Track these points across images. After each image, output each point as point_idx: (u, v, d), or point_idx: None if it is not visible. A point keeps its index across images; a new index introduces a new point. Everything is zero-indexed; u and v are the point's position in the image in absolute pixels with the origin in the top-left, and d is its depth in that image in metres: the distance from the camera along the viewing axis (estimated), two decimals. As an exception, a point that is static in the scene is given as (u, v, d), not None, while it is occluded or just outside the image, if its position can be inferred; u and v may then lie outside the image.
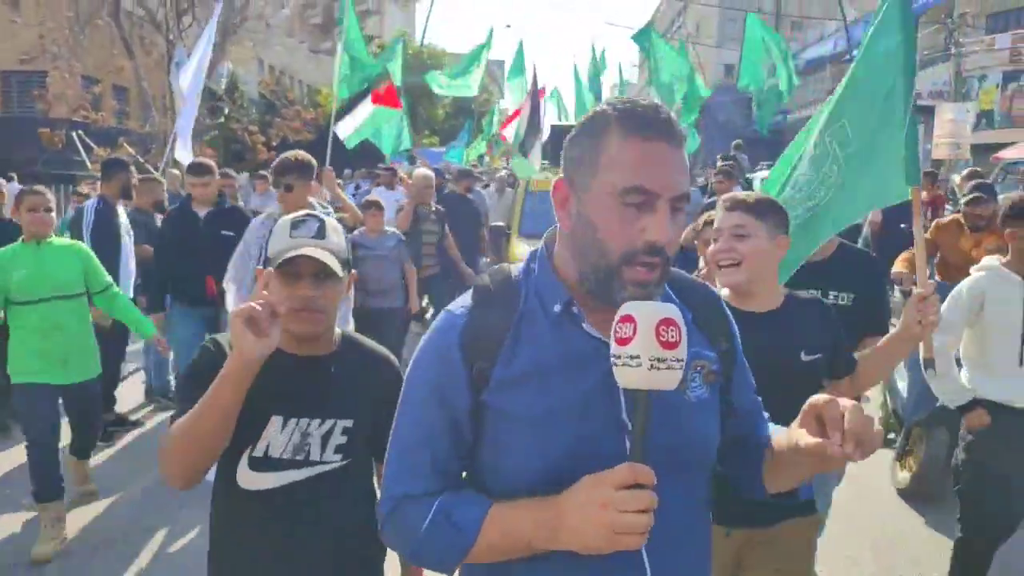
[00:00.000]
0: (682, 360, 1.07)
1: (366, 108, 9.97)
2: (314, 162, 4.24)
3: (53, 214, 4.09)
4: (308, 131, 21.38)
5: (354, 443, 1.76)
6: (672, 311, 1.08)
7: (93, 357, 4.19)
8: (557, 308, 1.22)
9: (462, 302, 1.29)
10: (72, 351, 4.01)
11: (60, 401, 4.09)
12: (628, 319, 1.07)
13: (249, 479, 1.70)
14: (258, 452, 1.69)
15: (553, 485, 1.13)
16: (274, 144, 21.37)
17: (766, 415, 1.46)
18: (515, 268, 1.32)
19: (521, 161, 9.72)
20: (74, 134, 15.57)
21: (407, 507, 1.24)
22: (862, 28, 29.47)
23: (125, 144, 15.19)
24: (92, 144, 15.49)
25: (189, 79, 8.45)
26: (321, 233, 1.72)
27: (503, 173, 14.18)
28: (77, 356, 4.04)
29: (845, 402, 1.12)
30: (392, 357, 1.94)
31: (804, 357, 2.21)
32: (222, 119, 22.17)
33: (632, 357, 1.05)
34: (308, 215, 1.76)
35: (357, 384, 1.79)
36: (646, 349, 1.04)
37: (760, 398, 1.47)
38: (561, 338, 1.21)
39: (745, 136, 17.53)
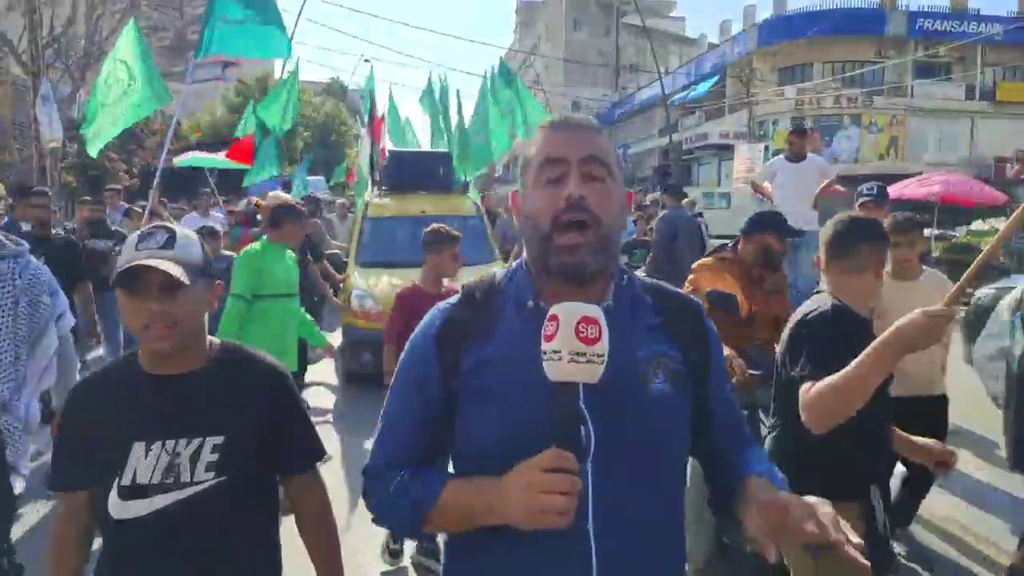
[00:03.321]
0: (602, 355, 1.14)
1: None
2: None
3: None
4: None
5: (229, 459, 1.65)
6: (594, 311, 1.15)
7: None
8: (530, 304, 1.33)
9: (451, 300, 1.42)
10: (290, 348, 4.61)
11: None
12: (553, 318, 1.15)
13: (120, 509, 1.61)
14: (125, 480, 1.61)
15: (511, 464, 1.20)
16: (136, 172, 21.99)
17: (761, 451, 1.50)
18: (500, 271, 1.44)
19: (361, 188, 10.32)
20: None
21: (383, 473, 1.37)
22: (685, 77, 33.22)
23: None
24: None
25: None
26: (169, 243, 1.64)
27: (342, 200, 14.63)
28: (291, 353, 4.65)
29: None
30: (279, 365, 1.85)
31: None
32: (78, 145, 22.40)
33: (555, 352, 1.13)
34: (157, 226, 1.69)
35: (233, 396, 1.70)
36: (566, 344, 1.13)
37: (746, 424, 1.53)
38: (530, 331, 1.24)
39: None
